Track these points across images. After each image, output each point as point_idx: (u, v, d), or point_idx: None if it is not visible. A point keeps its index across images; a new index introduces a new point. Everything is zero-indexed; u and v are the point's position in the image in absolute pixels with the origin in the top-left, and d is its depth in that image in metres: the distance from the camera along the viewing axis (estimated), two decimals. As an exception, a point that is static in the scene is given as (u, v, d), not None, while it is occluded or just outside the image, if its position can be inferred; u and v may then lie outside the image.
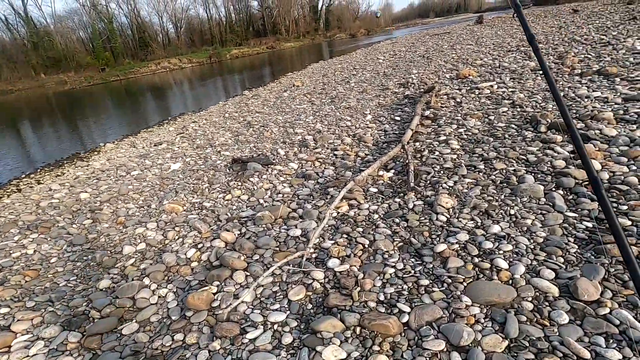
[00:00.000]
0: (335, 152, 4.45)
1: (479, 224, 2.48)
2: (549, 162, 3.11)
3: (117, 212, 3.88)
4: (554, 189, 2.74)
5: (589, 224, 2.29)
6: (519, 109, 4.75)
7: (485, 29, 18.32)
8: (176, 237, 3.09)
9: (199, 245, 2.89)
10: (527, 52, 8.98)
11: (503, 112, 4.78)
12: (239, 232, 2.95)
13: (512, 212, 2.55)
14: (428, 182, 3.25)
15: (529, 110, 4.64)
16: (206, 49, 50.48)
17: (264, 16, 62.34)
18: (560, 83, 5.77)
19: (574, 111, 4.26)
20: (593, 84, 5.40)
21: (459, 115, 5.06)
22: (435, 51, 12.98)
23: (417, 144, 4.27)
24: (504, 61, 8.47)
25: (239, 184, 4.00)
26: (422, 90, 7.01)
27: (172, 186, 4.35)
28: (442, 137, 4.27)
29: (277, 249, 2.61)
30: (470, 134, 4.26)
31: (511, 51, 9.76)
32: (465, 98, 5.96)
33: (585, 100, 4.61)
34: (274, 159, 4.60)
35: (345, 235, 2.62)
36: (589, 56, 7.38)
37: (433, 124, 4.93)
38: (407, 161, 3.59)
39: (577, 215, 2.42)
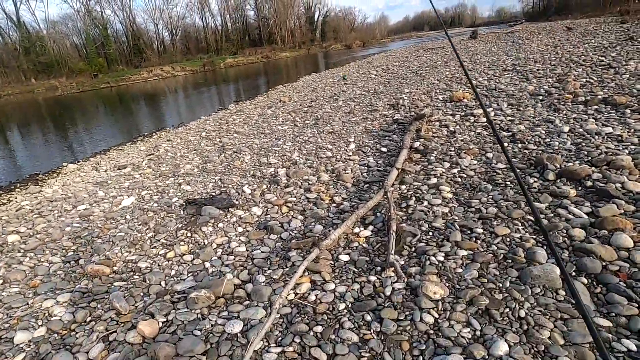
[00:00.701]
0: (308, 195, 3.77)
1: (478, 333, 1.80)
2: (564, 230, 2.46)
3: (36, 269, 3.14)
4: (574, 274, 2.08)
5: (633, 344, 1.61)
6: (520, 145, 4.12)
7: (479, 45, 17.92)
8: (87, 320, 2.37)
9: (111, 337, 2.17)
10: (524, 73, 8.44)
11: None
12: (164, 320, 2.23)
13: (522, 313, 1.87)
14: (413, 249, 2.57)
15: (531, 147, 4.01)
16: (201, 57, 49.94)
17: (260, 26, 62.10)
18: (564, 113, 5.17)
19: (585, 152, 3.63)
20: (601, 116, 4.80)
21: (452, 148, 4.42)
22: (429, 67, 12.45)
23: (404, 187, 3.61)
24: (501, 82, 7.90)
25: (188, 234, 3.30)
26: (412, 114, 6.38)
27: (113, 232, 3.63)
28: (433, 180, 3.61)
29: (204, 358, 1.89)
30: (465, 176, 3.61)
31: (507, 70, 9.22)
32: (460, 127, 5.33)
33: (596, 137, 3.99)
34: (237, 200, 3.90)
35: (297, 340, 1.92)
36: (591, 80, 6.82)
37: (423, 159, 4.28)
38: (388, 214, 2.92)
39: (611, 324, 1.74)
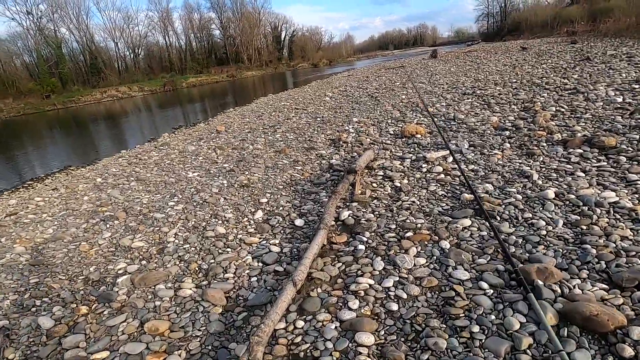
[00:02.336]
0: (142, 336, 2.12)
1: None
2: None
3: None
4: None
5: None
6: (486, 226, 2.67)
7: (439, 64, 17.09)
8: None
9: None
10: (485, 98, 7.25)
11: (464, 226, 2.70)
12: None
13: None
14: None
15: (506, 228, 2.58)
16: (163, 77, 47.58)
17: (226, 45, 60.54)
18: (540, 160, 3.83)
19: (588, 249, 2.23)
20: (589, 166, 3.48)
21: (394, 224, 2.93)
22: (386, 90, 11.21)
23: (303, 321, 2.05)
24: (460, 110, 6.63)
25: None
26: (354, 155, 4.92)
27: None
28: (354, 302, 2.08)
29: None
30: (408, 294, 2.10)
31: (467, 94, 8.04)
32: (408, 179, 3.88)
33: (598, 211, 2.61)
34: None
35: None
36: (562, 110, 5.65)
37: (346, 248, 2.75)
38: None
39: None
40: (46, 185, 6.77)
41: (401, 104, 8.45)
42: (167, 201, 4.31)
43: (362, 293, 2.18)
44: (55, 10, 46.46)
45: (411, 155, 4.63)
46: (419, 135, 5.40)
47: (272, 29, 66.75)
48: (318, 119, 8.48)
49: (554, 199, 2.87)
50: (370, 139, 5.66)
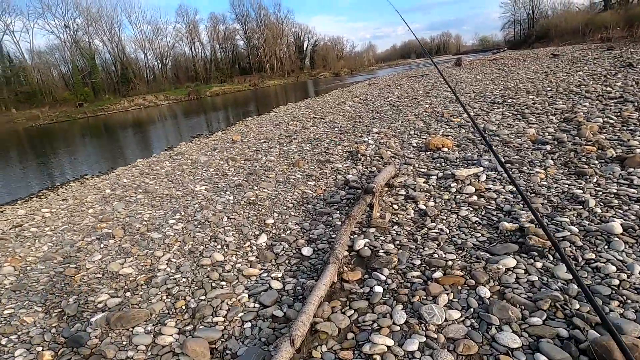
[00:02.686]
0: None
1: None
2: None
3: None
4: None
5: None
6: (536, 269, 2.13)
7: (464, 73, 16.38)
8: None
9: None
10: (518, 108, 6.62)
11: (508, 267, 2.16)
12: None
13: None
14: None
15: (562, 274, 2.03)
16: (188, 86, 48.67)
17: (250, 55, 61.48)
18: (594, 181, 3.22)
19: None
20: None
21: (418, 258, 2.43)
22: (408, 99, 10.67)
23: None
24: (491, 120, 6.04)
25: None
26: (373, 170, 4.43)
27: None
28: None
29: None
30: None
31: (497, 104, 7.41)
32: (434, 201, 3.36)
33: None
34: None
35: None
36: (610, 121, 4.98)
37: (361, 288, 2.27)
38: None
39: None
40: (58, 195, 6.62)
41: (424, 113, 7.90)
42: (168, 218, 3.95)
43: (378, 358, 1.68)
44: (90, 24, 48.58)
45: (437, 171, 4.10)
46: (445, 149, 4.86)
47: (294, 39, 67.40)
48: (336, 128, 8.04)
49: (622, 234, 2.28)
50: (391, 152, 5.16)
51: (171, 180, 5.80)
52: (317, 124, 9.12)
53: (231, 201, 4.18)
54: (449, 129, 6.03)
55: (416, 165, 4.44)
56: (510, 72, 13.28)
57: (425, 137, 5.74)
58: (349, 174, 4.58)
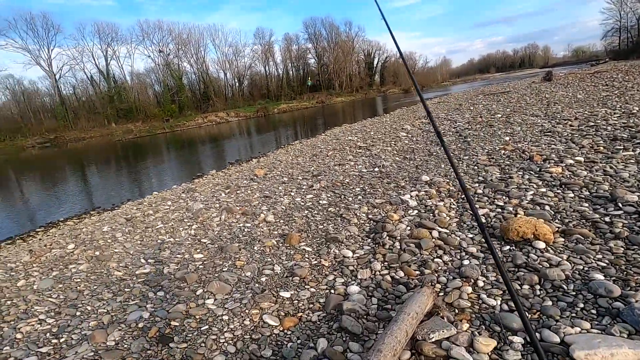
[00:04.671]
0: None
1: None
2: None
3: None
4: None
5: None
6: None
7: (557, 89, 12.97)
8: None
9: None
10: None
11: None
12: None
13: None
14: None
15: None
16: (259, 103, 50.02)
17: (320, 72, 61.60)
18: None
19: None
20: None
21: None
22: (481, 125, 8.14)
23: None
24: (620, 175, 3.51)
25: None
26: (384, 293, 2.36)
27: None
28: None
29: None
30: None
31: (620, 140, 4.73)
32: None
33: None
34: None
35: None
36: None
37: None
38: None
39: None
40: (46, 237, 5.65)
41: (502, 152, 5.47)
42: (64, 328, 2.37)
43: None
44: (180, 48, 52.98)
45: (525, 294, 1.90)
46: (540, 244, 2.57)
47: (365, 56, 66.05)
48: (376, 169, 6.01)
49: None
50: (437, 235, 3.01)
51: (171, 226, 4.34)
52: (358, 159, 7.18)
53: (135, 327, 2.44)
54: (543, 188, 3.63)
55: (480, 284, 2.26)
56: (626, 89, 9.85)
57: (500, 200, 3.45)
58: (351, 283, 2.56)
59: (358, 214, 3.86)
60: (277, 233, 3.71)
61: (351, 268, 2.75)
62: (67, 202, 8.99)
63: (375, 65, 68.42)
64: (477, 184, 4.15)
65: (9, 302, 3.11)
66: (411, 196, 4.13)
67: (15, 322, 2.70)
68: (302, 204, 4.70)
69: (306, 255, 3.08)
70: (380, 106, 32.91)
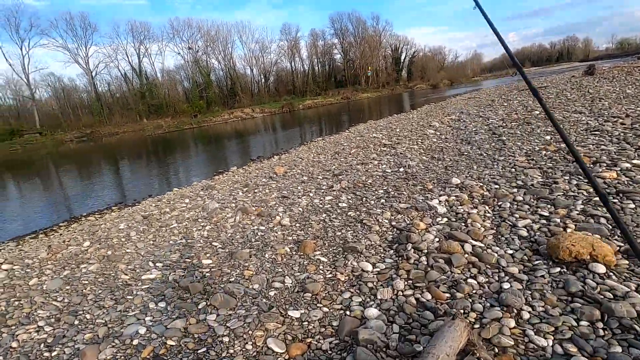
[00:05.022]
0: None
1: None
2: None
3: None
4: None
5: None
6: None
7: (601, 84, 11.91)
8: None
9: None
10: None
11: None
12: None
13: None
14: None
15: None
16: (285, 99, 50.03)
17: (346, 67, 60.84)
18: None
19: None
20: None
21: None
22: (517, 122, 7.50)
23: None
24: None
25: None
26: (407, 320, 2.01)
27: None
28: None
29: None
30: None
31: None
32: None
33: None
34: None
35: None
36: None
37: None
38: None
39: None
40: (61, 235, 5.68)
41: (544, 152, 4.93)
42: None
43: None
44: (209, 45, 53.83)
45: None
46: (600, 268, 2.13)
47: (392, 51, 64.59)
48: (401, 169, 5.61)
49: None
50: (471, 250, 2.62)
51: (154, 238, 4.20)
52: (382, 157, 6.79)
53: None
54: (595, 197, 3.14)
55: (525, 315, 1.87)
56: (687, 83, 8.84)
57: (544, 210, 3.00)
58: (369, 307, 2.23)
59: (380, 220, 3.51)
60: (292, 239, 3.43)
61: (370, 285, 2.42)
62: (93, 196, 9.16)
63: (402, 61, 66.77)
64: (515, 189, 3.69)
65: (16, 303, 3.02)
66: (440, 201, 3.73)
67: (16, 328, 2.58)
68: (321, 206, 4.39)
69: (321, 267, 2.78)
70: (407, 102, 32.02)
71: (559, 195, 3.29)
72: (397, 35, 66.02)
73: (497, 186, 3.93)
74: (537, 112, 8.30)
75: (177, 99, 50.53)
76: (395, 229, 3.27)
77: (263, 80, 58.96)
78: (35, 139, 34.96)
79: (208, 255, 3.36)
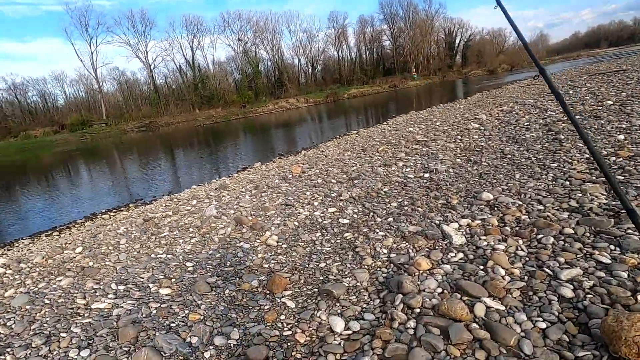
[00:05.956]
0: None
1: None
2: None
3: None
4: None
5: None
6: None
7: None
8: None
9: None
10: None
11: None
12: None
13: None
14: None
15: None
16: (331, 88, 49.17)
17: (395, 55, 58.15)
18: None
19: None
20: None
21: None
22: (583, 117, 6.12)
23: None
24: None
25: None
26: None
27: None
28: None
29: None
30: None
31: None
32: None
33: None
34: None
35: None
36: None
37: None
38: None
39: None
40: (59, 238, 5.66)
41: (614, 159, 3.78)
42: None
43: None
44: (257, 35, 54.44)
45: None
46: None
47: (445, 35, 60.35)
48: (426, 175, 4.73)
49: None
50: (484, 314, 1.82)
51: (137, 252, 3.87)
52: (410, 157, 5.92)
53: None
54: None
55: None
56: None
57: (606, 253, 2.08)
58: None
59: (378, 250, 2.78)
60: (267, 267, 2.84)
61: (330, 359, 1.75)
62: (120, 190, 9.34)
63: (457, 45, 62.18)
64: (566, 215, 2.73)
65: (-23, 320, 2.81)
66: (459, 226, 2.89)
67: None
68: (320, 220, 3.74)
69: (283, 316, 2.16)
70: (460, 90, 29.66)
71: (630, 230, 2.31)
72: (452, 17, 61.32)
73: (540, 207, 2.98)
74: (610, 103, 6.76)
75: (227, 89, 52.00)
76: (391, 265, 2.53)
77: (310, 69, 58.50)
78: (102, 128, 38.08)
79: (172, 280, 2.89)
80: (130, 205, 7.05)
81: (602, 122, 5.59)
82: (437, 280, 2.20)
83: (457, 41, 62.58)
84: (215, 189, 6.38)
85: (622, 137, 4.60)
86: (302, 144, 12.60)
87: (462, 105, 12.94)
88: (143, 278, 3.08)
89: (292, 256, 2.98)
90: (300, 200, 4.60)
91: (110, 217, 6.16)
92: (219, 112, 43.93)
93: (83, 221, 6.45)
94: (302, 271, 2.68)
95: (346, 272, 2.54)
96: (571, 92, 9.44)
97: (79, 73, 58.42)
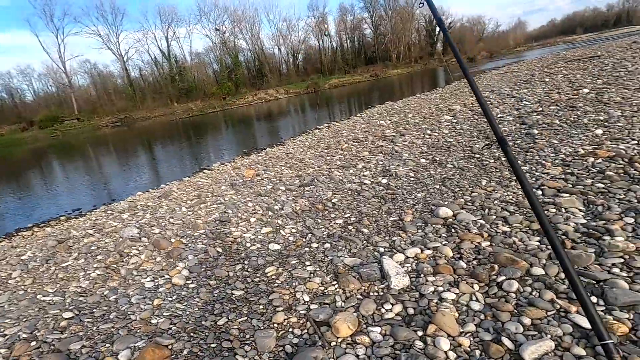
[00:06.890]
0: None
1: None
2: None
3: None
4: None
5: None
6: None
7: (678, 51, 9.24)
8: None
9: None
10: None
11: None
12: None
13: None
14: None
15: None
16: (312, 78, 47.99)
17: (376, 43, 57.18)
18: None
19: None
20: None
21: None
22: (559, 107, 5.56)
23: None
24: None
25: None
26: None
27: None
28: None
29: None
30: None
31: None
32: None
33: None
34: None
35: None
36: None
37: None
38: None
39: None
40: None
41: (591, 160, 3.19)
42: None
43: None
44: (236, 25, 52.47)
45: None
46: None
47: (425, 23, 59.62)
48: (384, 181, 4.09)
49: None
50: None
51: (39, 281, 3.12)
52: (373, 158, 5.28)
53: None
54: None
55: None
56: None
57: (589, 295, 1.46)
58: None
59: (298, 296, 2.12)
60: (153, 326, 2.14)
61: None
62: (61, 198, 8.36)
63: (437, 33, 61.56)
64: (536, 242, 2.11)
65: None
66: (405, 258, 2.25)
67: None
68: (248, 245, 3.05)
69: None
70: (440, 78, 29.11)
71: (613, 257, 1.70)
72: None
73: (506, 228, 2.36)
74: (587, 91, 6.23)
75: (206, 81, 50.14)
76: (308, 322, 1.86)
77: (291, 59, 57.02)
78: (74, 125, 36.15)
79: (33, 347, 2.16)
80: (62, 218, 6.17)
81: (579, 112, 5.04)
82: (356, 356, 1.55)
83: (438, 29, 61.96)
84: (158, 197, 5.60)
85: (599, 131, 4.05)
86: (272, 139, 11.81)
87: (439, 94, 12.38)
88: (10, 332, 2.34)
89: (193, 304, 2.29)
90: (239, 215, 3.89)
91: (32, 235, 5.30)
92: (198, 105, 42.30)
93: (61, 220, 5.62)
94: (192, 333, 1.99)
95: (247, 336, 1.87)
96: (547, 79, 8.93)
97: (47, 66, 55.14)
